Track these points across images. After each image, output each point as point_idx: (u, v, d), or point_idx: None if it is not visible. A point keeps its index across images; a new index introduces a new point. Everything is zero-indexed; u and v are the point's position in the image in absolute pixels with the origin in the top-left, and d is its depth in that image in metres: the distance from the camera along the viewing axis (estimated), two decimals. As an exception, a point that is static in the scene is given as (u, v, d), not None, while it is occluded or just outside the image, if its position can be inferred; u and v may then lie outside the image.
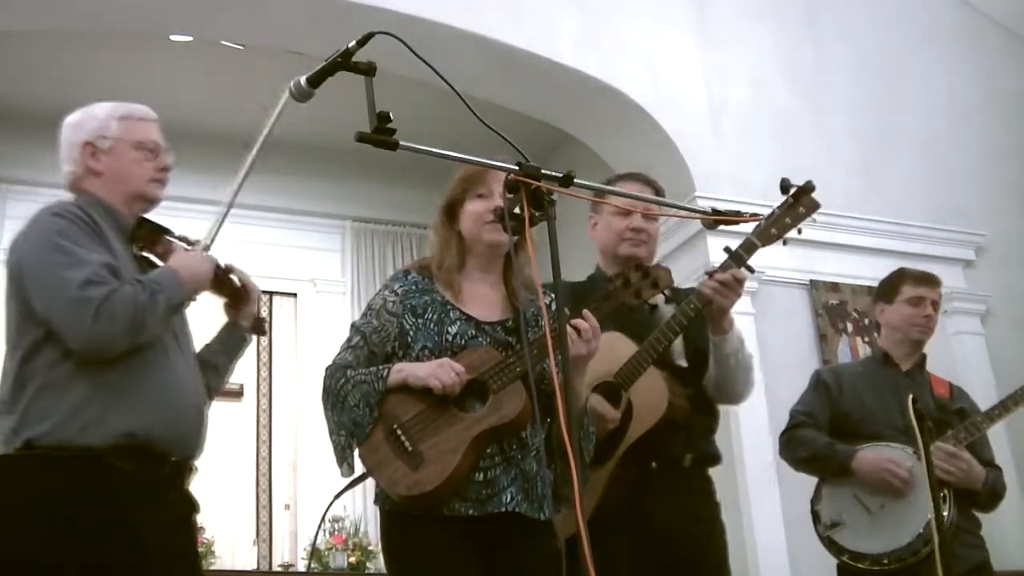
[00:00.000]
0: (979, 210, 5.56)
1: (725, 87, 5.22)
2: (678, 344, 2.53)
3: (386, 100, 1.67)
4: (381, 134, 1.66)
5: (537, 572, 2.20)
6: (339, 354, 2.32)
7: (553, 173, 1.76)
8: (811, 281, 4.93)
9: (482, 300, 2.35)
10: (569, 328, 2.15)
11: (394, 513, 2.21)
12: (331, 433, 2.25)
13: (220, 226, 2.33)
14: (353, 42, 1.74)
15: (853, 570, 2.96)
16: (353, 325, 2.37)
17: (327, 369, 2.31)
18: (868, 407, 3.14)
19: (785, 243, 2.43)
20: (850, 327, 4.95)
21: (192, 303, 2.23)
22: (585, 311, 2.21)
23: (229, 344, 2.43)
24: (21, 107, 6.22)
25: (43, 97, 6.18)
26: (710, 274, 2.43)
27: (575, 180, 1.77)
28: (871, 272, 5.01)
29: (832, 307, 4.98)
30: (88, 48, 5.77)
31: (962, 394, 3.29)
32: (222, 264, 2.34)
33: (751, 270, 2.46)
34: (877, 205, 5.23)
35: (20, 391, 2.00)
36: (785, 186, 2.42)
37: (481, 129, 1.79)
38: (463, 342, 2.26)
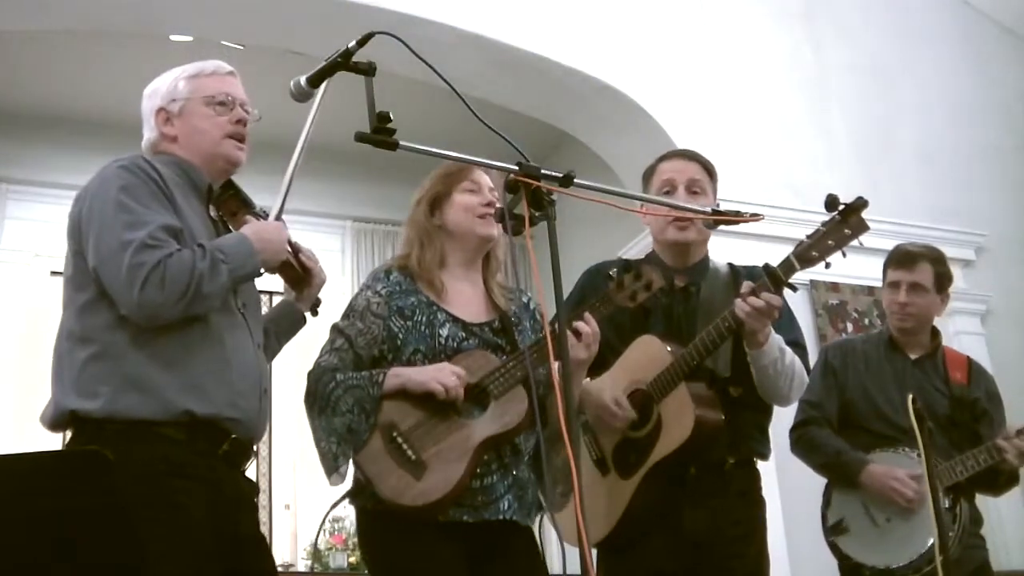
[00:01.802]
0: (979, 210, 5.55)
1: (725, 87, 5.21)
2: (725, 349, 2.42)
3: (386, 100, 1.68)
4: (381, 134, 1.66)
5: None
6: (322, 357, 2.27)
7: (553, 173, 1.75)
8: (811, 281, 4.92)
9: (466, 300, 2.33)
10: (568, 332, 2.11)
11: (378, 513, 2.16)
12: (319, 440, 2.18)
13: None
14: (353, 42, 1.75)
15: None
16: (335, 327, 2.31)
17: (312, 373, 2.25)
18: (873, 399, 3.07)
19: (828, 266, 2.23)
20: (850, 327, 4.95)
21: (261, 275, 2.07)
22: (587, 315, 2.19)
23: (284, 324, 2.31)
24: (21, 107, 6.22)
25: (43, 97, 6.19)
26: (743, 295, 2.31)
27: (575, 180, 1.77)
28: (871, 272, 4.98)
29: (832, 307, 4.98)
30: (88, 48, 5.76)
31: (980, 376, 3.17)
32: (293, 245, 2.21)
33: (793, 288, 2.34)
34: (877, 205, 5.14)
35: (77, 347, 1.92)
36: (832, 202, 2.21)
37: (481, 129, 1.79)
38: (456, 344, 2.23)
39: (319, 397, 2.20)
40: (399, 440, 2.13)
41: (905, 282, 3.09)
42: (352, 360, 2.24)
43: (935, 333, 3.23)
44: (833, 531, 2.98)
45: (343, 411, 2.15)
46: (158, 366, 1.89)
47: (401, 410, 2.15)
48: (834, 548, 2.98)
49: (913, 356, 3.15)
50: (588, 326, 2.17)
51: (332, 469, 2.15)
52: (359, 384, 2.17)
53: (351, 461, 2.16)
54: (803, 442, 3.09)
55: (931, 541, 2.68)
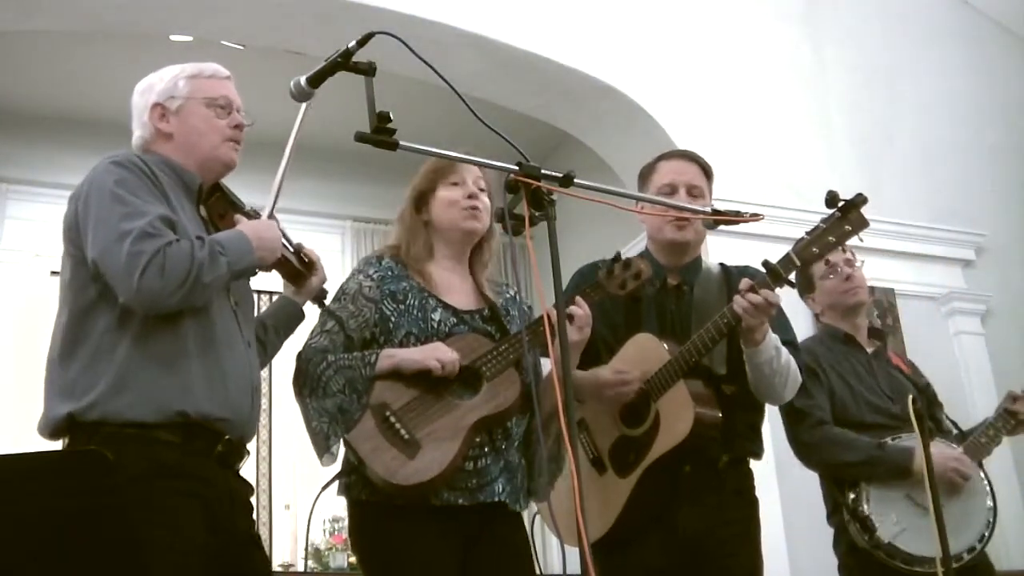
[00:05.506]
0: (979, 210, 5.56)
1: (725, 87, 5.22)
2: (720, 347, 2.42)
3: (386, 100, 1.68)
4: (381, 134, 1.66)
5: (513, 560, 2.21)
6: (312, 339, 2.27)
7: (553, 173, 1.76)
8: (811, 281, 4.92)
9: (455, 289, 2.35)
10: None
11: (371, 504, 2.15)
12: (309, 420, 2.17)
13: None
14: (353, 42, 1.75)
15: (891, 570, 2.75)
16: (326, 310, 2.31)
17: (301, 354, 2.25)
18: (860, 394, 3.02)
19: (828, 263, 2.27)
20: (850, 327, 4.94)
21: (256, 274, 2.09)
22: (578, 298, 2.23)
23: (283, 319, 2.30)
24: (21, 107, 6.22)
25: (43, 97, 6.20)
26: (742, 292, 2.30)
27: (575, 180, 1.77)
28: (870, 272, 4.97)
29: (832, 307, 4.97)
30: (88, 48, 5.76)
31: (917, 369, 3.22)
32: (294, 243, 2.23)
33: (792, 285, 2.34)
34: (877, 205, 5.15)
35: (72, 351, 1.93)
36: (832, 199, 2.22)
37: (481, 129, 1.79)
38: (447, 329, 2.25)
39: (310, 378, 2.19)
40: (392, 419, 2.13)
41: (841, 259, 3.06)
42: (343, 342, 2.24)
43: (878, 332, 3.24)
44: (893, 534, 2.74)
45: (334, 391, 2.16)
46: (152, 369, 1.90)
47: (394, 390, 2.15)
48: (893, 553, 2.73)
49: (869, 350, 3.15)
50: (580, 309, 2.21)
51: (324, 449, 2.14)
52: (351, 364, 2.17)
53: (343, 442, 2.16)
54: (830, 441, 2.90)
55: (988, 508, 2.79)
